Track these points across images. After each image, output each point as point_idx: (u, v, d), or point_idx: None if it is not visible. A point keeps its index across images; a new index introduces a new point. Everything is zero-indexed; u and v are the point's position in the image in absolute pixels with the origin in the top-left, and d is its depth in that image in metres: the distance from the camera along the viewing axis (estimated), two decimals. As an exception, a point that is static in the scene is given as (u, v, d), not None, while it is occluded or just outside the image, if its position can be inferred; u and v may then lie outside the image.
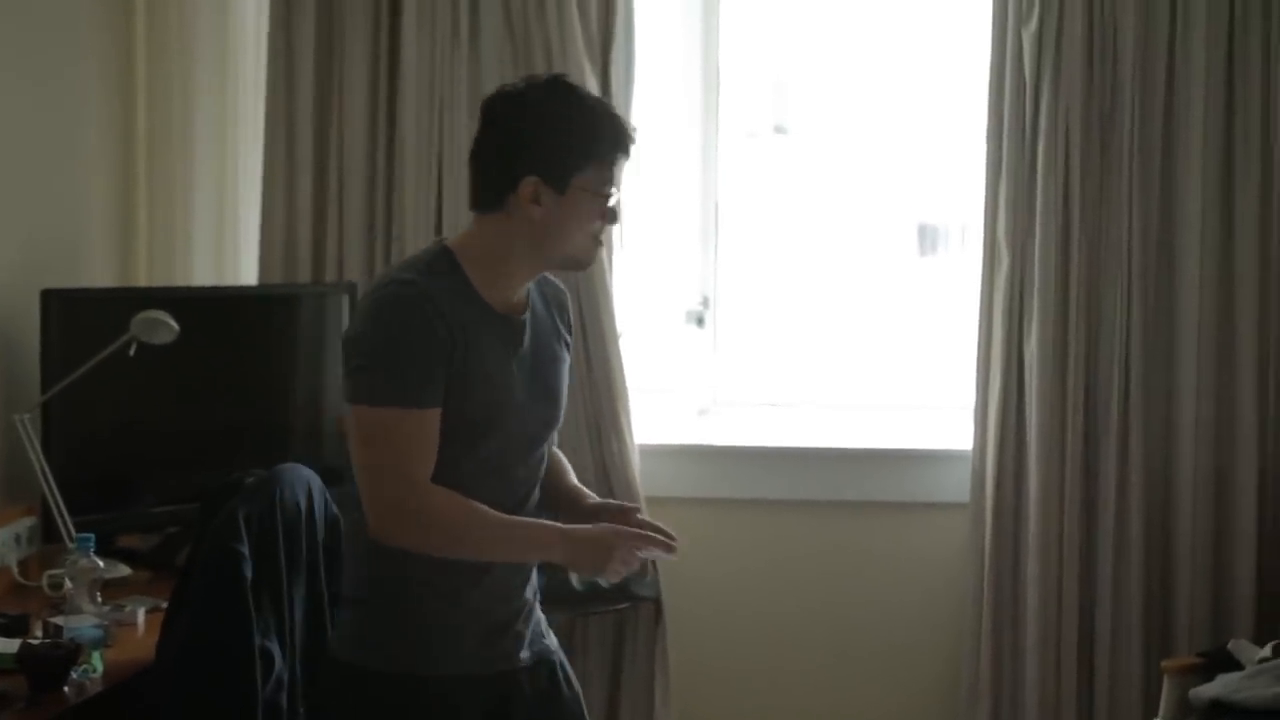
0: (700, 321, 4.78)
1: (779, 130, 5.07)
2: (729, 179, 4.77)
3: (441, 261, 2.56)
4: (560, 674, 2.73)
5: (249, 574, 2.90)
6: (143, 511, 3.96)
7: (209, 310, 4.06)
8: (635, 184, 4.35)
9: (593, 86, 4.38)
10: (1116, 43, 4.29)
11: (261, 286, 4.43)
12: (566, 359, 2.74)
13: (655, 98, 4.62)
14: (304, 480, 3.09)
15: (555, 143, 2.52)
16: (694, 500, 4.47)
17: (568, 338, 2.76)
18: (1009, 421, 4.35)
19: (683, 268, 4.77)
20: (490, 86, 4.33)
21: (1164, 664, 3.97)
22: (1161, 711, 3.88)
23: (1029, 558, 4.33)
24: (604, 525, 2.58)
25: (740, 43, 4.79)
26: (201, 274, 4.52)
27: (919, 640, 4.53)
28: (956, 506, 4.44)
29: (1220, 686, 3.71)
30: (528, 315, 2.63)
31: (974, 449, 4.40)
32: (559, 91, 2.58)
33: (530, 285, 2.66)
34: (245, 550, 2.90)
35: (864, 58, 4.82)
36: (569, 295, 2.83)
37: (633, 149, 2.60)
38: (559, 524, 2.60)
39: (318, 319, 4.34)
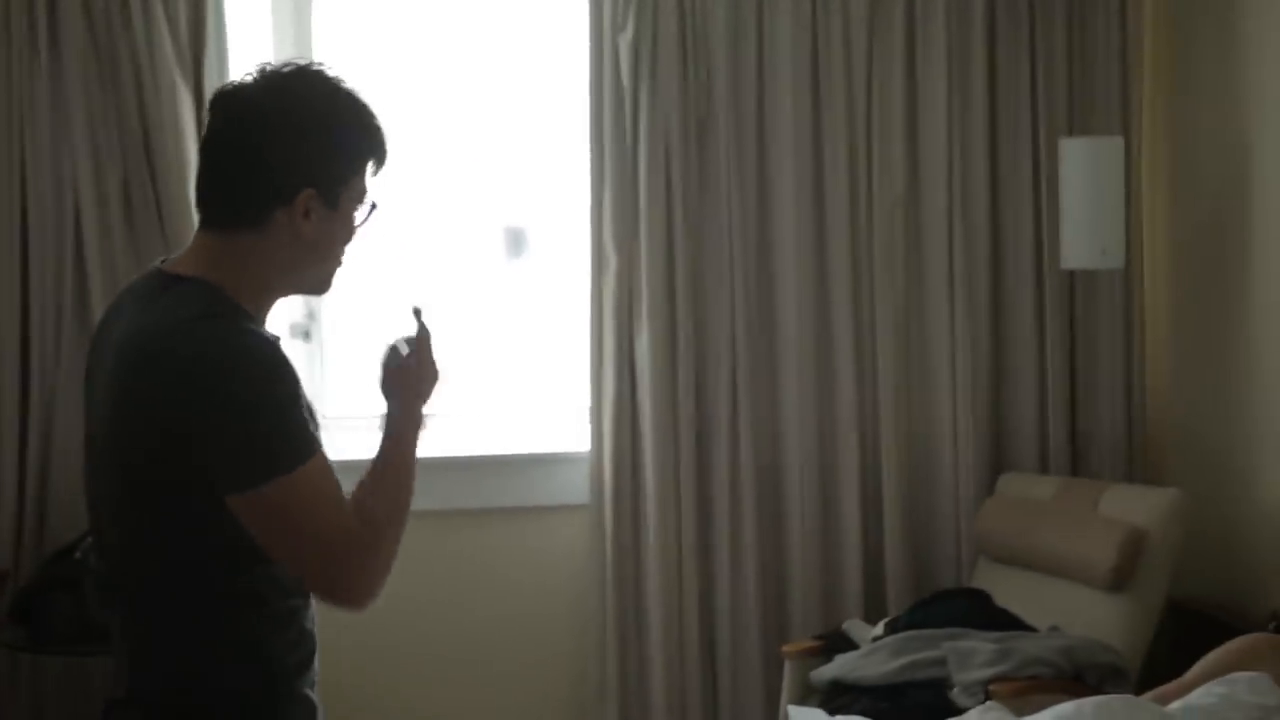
0: (306, 335, 4.68)
1: None
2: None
3: (219, 300, 2.17)
4: None
5: None
6: None
7: None
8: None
9: (185, 98, 4.24)
10: (710, 47, 4.42)
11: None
12: None
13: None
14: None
15: (329, 148, 2.20)
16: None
17: None
18: (624, 421, 4.43)
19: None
20: (75, 101, 4.20)
21: (784, 649, 4.12)
22: (784, 695, 4.01)
23: (649, 555, 4.42)
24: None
25: (333, 48, 4.70)
26: None
27: (547, 643, 4.57)
28: (577, 508, 4.50)
29: (839, 666, 3.87)
30: None
31: (591, 450, 4.46)
32: (323, 85, 2.22)
33: None
34: None
35: (457, 62, 4.80)
36: None
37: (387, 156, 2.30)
38: (383, 438, 2.33)
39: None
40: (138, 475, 2.12)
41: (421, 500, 4.42)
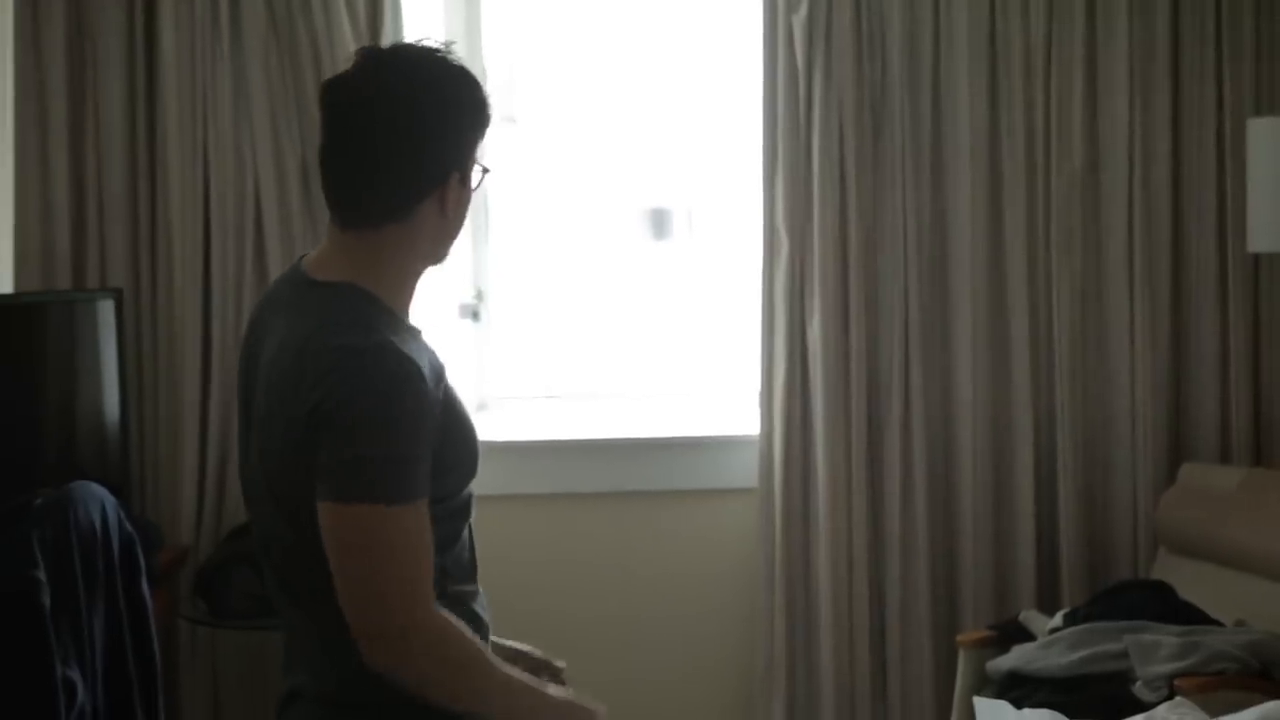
0: (474, 315, 4.71)
1: (505, 118, 5.01)
2: (499, 172, 4.69)
3: (372, 308, 2.14)
4: None
5: (47, 601, 2.74)
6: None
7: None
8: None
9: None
10: (885, 24, 4.36)
11: (19, 293, 4.21)
12: None
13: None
14: (97, 498, 2.95)
15: (465, 126, 2.16)
16: (478, 497, 4.39)
17: None
18: (794, 406, 4.39)
19: (454, 261, 4.66)
20: (255, 83, 4.27)
21: (959, 638, 4.06)
22: (958, 684, 3.96)
23: (818, 540, 4.38)
24: (573, 702, 2.26)
25: (502, 31, 4.73)
26: (-50, 282, 4.27)
27: (714, 627, 4.55)
28: (745, 492, 4.46)
29: (1016, 658, 3.81)
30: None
31: (761, 434, 4.43)
32: (438, 63, 2.15)
33: None
34: (42, 576, 2.74)
35: (626, 44, 4.80)
36: None
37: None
38: (534, 682, 2.23)
39: (83, 326, 4.13)
40: (293, 482, 2.10)
41: (589, 482, 4.52)
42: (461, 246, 4.56)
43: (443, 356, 2.22)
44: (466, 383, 4.69)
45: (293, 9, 4.25)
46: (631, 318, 4.86)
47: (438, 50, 2.16)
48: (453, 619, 2.12)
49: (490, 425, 4.64)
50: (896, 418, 4.37)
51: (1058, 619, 3.93)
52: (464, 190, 2.18)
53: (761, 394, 4.44)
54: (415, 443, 2.06)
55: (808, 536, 4.41)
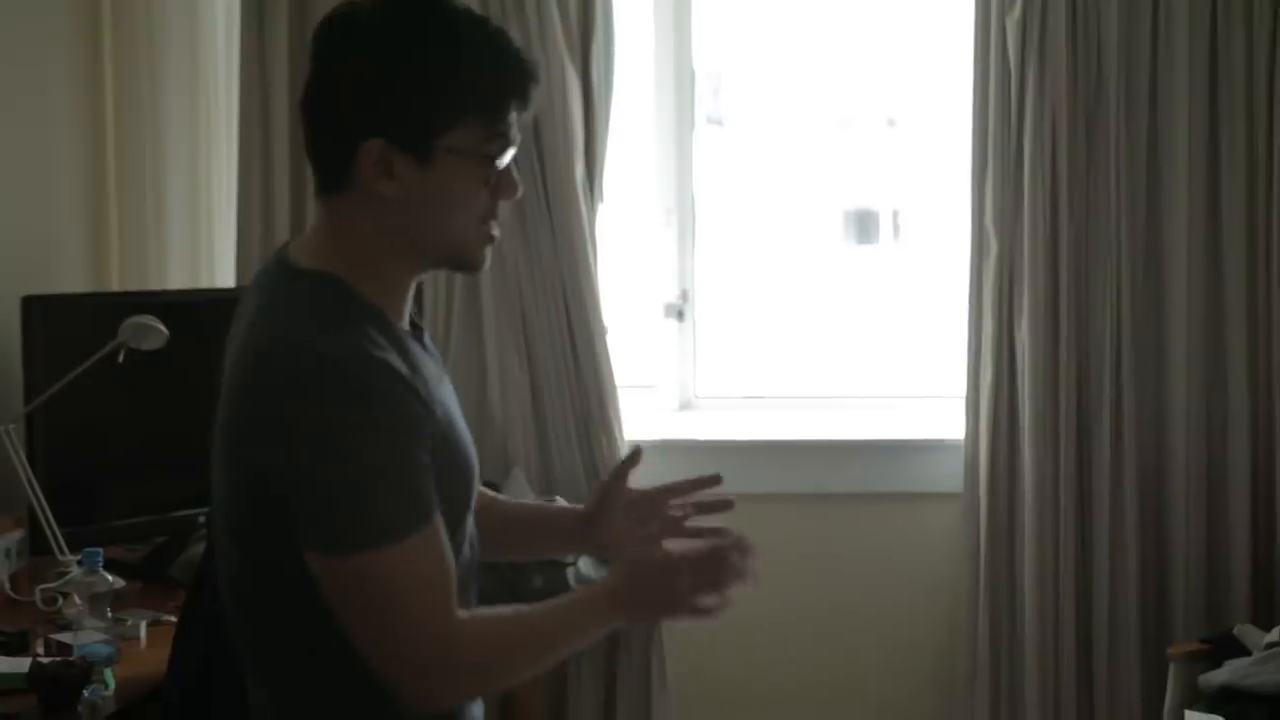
0: (680, 315, 4.73)
1: (711, 121, 5.03)
2: (701, 172, 4.73)
3: (337, 299, 1.85)
4: None
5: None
6: (129, 522, 3.83)
7: (191, 313, 3.95)
8: (612, 179, 4.31)
9: (573, 83, 4.31)
10: (1100, 30, 4.28)
11: (241, 288, 4.33)
12: None
13: (629, 91, 4.56)
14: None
15: (409, 88, 1.81)
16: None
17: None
18: (1001, 410, 4.33)
19: (660, 261, 4.71)
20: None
21: (1170, 650, 3.97)
22: (1168, 697, 3.87)
23: (1024, 547, 4.31)
24: (642, 553, 2.04)
25: (711, 32, 4.75)
26: (176, 277, 4.42)
27: (915, 632, 4.51)
28: (949, 496, 4.42)
29: (1229, 672, 3.71)
30: (427, 335, 2.03)
31: (966, 438, 4.38)
32: (414, 10, 1.84)
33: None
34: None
35: (835, 47, 4.80)
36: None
37: (533, 92, 1.90)
38: (596, 583, 2.01)
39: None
40: (240, 514, 1.91)
41: (791, 483, 4.52)
42: (666, 246, 4.66)
43: (437, 364, 1.98)
44: (670, 382, 4.72)
45: (506, 8, 4.30)
46: (838, 320, 4.85)
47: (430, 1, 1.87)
48: (474, 620, 1.87)
49: (694, 425, 4.67)
50: (1106, 423, 4.28)
51: (1275, 634, 3.82)
52: (425, 171, 1.83)
53: (968, 397, 4.38)
54: (405, 460, 1.78)
55: (1013, 542, 4.34)
